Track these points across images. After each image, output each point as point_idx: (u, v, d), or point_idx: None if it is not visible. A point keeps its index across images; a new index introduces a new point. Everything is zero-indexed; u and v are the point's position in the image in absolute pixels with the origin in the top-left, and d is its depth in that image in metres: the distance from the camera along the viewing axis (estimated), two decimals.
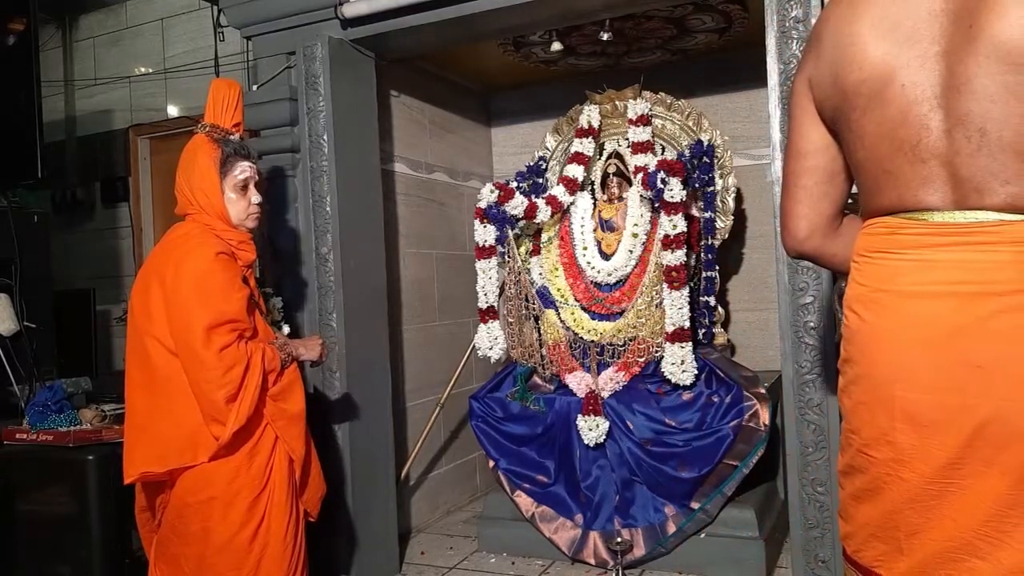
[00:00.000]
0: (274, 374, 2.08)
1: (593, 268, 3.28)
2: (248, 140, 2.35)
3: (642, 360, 2.99)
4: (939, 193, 1.07)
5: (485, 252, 3.12)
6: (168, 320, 1.99)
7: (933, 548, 1.08)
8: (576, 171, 3.42)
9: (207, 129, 2.20)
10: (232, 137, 2.22)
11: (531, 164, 3.56)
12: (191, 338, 1.95)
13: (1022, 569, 1.02)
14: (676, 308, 2.85)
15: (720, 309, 3.39)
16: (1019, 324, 1.01)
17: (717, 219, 3.19)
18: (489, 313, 3.14)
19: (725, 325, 3.56)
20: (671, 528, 2.87)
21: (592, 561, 2.95)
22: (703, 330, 3.13)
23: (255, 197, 2.20)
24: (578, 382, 3.05)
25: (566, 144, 3.58)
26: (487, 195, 3.12)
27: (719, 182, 3.19)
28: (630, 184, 3.39)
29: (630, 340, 3.04)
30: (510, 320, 3.19)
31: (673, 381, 2.87)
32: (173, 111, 4.22)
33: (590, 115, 3.46)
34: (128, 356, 2.10)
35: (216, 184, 2.13)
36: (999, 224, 1.03)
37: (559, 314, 3.24)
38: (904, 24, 1.09)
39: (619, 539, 2.84)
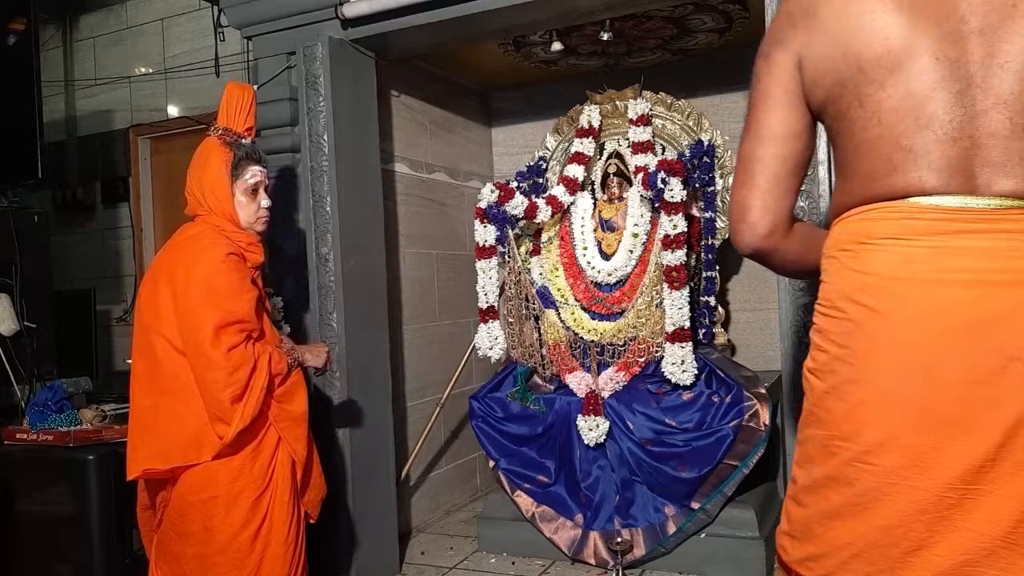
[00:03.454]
0: (280, 377, 2.08)
1: (593, 268, 3.28)
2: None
3: (642, 360, 3.00)
4: (964, 176, 1.00)
5: (485, 252, 3.12)
6: (177, 319, 2.00)
7: (939, 565, 0.99)
8: (576, 171, 3.42)
9: (220, 132, 2.20)
10: (244, 141, 2.23)
11: (531, 164, 3.56)
12: (200, 337, 1.95)
13: None
14: (676, 308, 2.85)
15: (720, 309, 3.39)
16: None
17: (717, 219, 3.19)
18: (489, 313, 3.14)
19: (725, 325, 3.56)
20: (671, 528, 2.87)
21: (592, 561, 2.95)
22: (703, 330, 3.13)
23: (264, 201, 2.22)
24: (578, 382, 3.05)
25: (566, 144, 3.58)
26: (487, 195, 3.12)
27: (719, 182, 3.19)
28: (630, 184, 3.39)
29: (630, 340, 3.04)
30: (510, 320, 3.19)
31: (673, 381, 2.87)
32: (173, 111, 4.22)
33: (590, 115, 3.46)
34: (134, 353, 2.10)
35: (227, 188, 2.14)
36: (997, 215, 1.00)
37: (559, 314, 3.24)
38: None
39: (619, 539, 2.84)
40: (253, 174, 2.19)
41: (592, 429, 2.90)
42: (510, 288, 3.21)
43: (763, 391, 2.85)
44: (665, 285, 2.88)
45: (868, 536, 1.02)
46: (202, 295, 1.98)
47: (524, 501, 3.12)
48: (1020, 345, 0.96)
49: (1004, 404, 0.96)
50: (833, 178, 1.26)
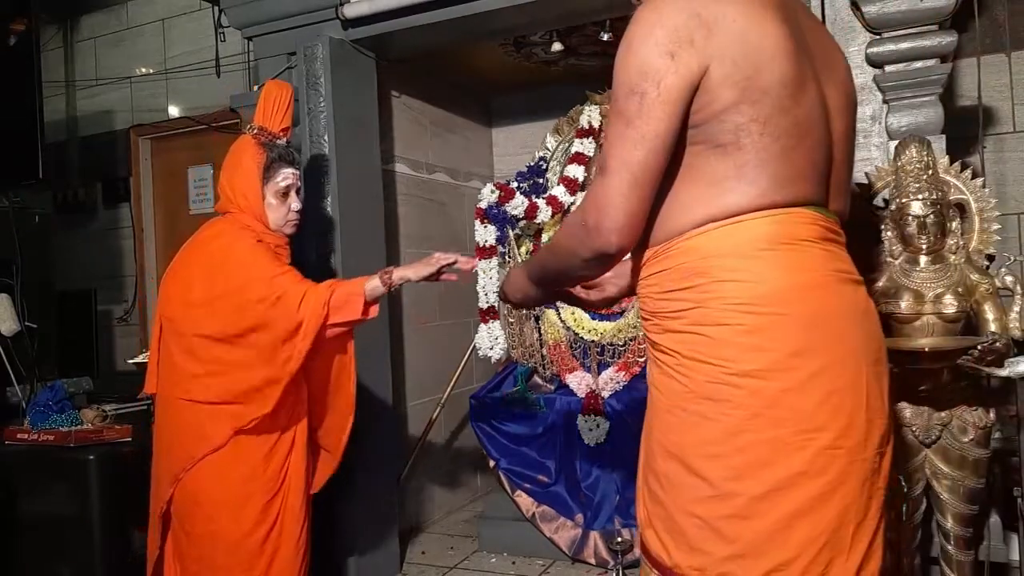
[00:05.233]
0: (357, 298, 2.02)
1: None
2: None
3: (642, 360, 3.00)
4: (823, 192, 1.19)
5: (486, 252, 3.12)
6: (221, 306, 2.00)
7: (869, 530, 1.12)
8: (577, 171, 3.43)
9: (255, 131, 2.19)
10: (279, 141, 2.22)
11: (531, 164, 3.56)
12: (249, 295, 1.97)
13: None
14: None
15: None
16: (872, 307, 1.22)
17: None
18: (490, 313, 3.14)
19: None
20: None
21: (593, 561, 2.96)
22: None
23: (295, 204, 2.20)
24: (578, 382, 3.05)
25: (567, 144, 3.58)
26: (488, 195, 3.12)
27: None
28: None
29: (630, 340, 3.05)
30: (510, 320, 3.19)
31: None
32: (174, 111, 4.22)
33: (591, 115, 3.46)
34: (152, 347, 2.14)
35: (258, 189, 2.13)
36: (839, 229, 1.22)
37: (559, 314, 3.24)
38: (795, 34, 1.14)
39: (620, 539, 2.83)
40: (285, 177, 2.17)
41: (592, 429, 2.90)
42: None
43: None
44: None
45: (832, 523, 1.08)
46: (244, 269, 2.01)
47: (524, 501, 3.12)
48: (875, 332, 1.19)
49: (887, 377, 1.19)
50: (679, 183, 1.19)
